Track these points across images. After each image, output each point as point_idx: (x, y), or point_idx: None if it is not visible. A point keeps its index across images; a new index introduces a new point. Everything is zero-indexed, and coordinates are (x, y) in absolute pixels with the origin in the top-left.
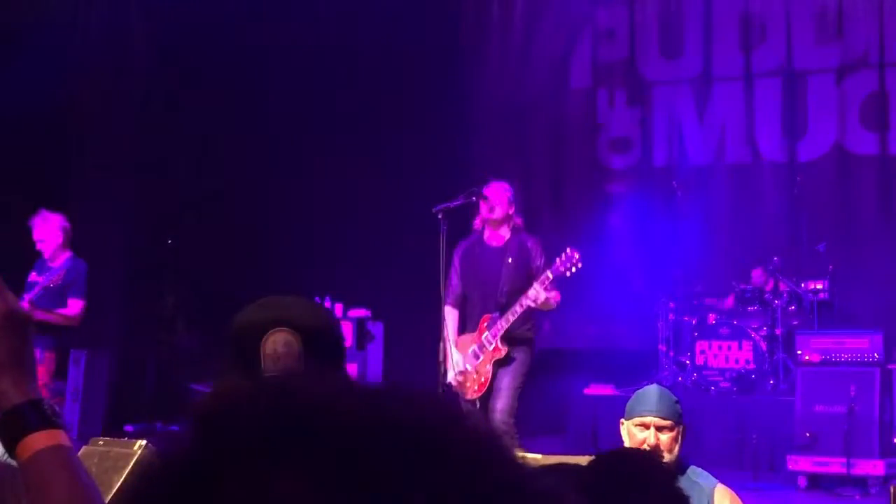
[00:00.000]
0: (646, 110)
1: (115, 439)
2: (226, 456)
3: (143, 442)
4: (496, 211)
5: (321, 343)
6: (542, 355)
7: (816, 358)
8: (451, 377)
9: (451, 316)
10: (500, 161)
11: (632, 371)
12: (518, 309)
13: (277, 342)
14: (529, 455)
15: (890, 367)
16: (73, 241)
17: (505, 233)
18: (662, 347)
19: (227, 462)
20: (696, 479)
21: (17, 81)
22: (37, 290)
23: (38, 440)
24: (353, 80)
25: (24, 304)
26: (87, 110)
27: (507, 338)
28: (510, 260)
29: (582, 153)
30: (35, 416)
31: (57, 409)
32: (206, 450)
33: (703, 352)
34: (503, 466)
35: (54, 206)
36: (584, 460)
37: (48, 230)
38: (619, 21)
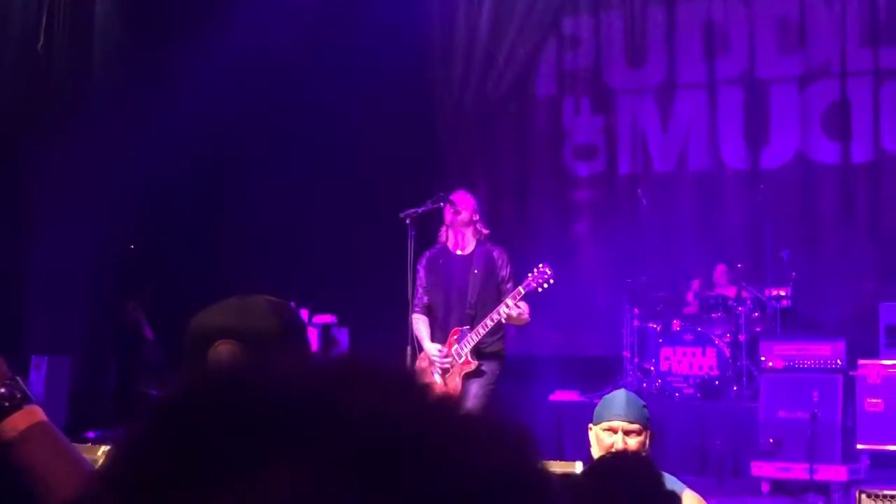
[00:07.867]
0: (610, 118)
1: (79, 444)
2: (202, 459)
3: (107, 448)
4: (462, 214)
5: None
6: (507, 362)
7: (780, 364)
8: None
9: (420, 321)
10: (466, 167)
11: (597, 377)
12: (489, 323)
13: (222, 354)
14: None
15: (852, 373)
16: (38, 246)
17: (470, 241)
18: (627, 354)
19: (204, 466)
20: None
21: None
22: None
23: (20, 419)
24: (317, 86)
25: None
26: (48, 117)
27: (477, 351)
28: (476, 270)
29: (548, 160)
30: (10, 396)
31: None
32: (178, 454)
33: (667, 358)
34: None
35: (18, 211)
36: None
37: None
38: (585, 29)
